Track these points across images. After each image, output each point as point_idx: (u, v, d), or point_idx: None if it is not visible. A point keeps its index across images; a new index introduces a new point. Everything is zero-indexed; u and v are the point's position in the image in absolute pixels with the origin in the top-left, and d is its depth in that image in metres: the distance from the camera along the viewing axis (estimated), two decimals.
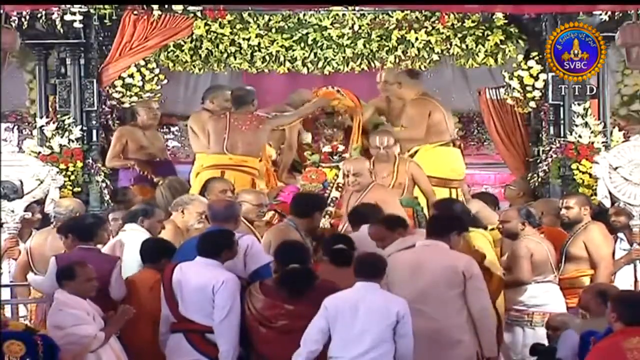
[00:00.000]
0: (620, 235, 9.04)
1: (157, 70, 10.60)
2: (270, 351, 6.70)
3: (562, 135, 10.03)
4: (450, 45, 10.57)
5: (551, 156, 9.99)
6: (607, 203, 9.13)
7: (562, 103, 10.04)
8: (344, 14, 10.60)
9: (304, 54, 10.68)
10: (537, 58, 10.22)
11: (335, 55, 10.68)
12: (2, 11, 8.62)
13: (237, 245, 6.97)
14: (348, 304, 6.46)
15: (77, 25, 9.74)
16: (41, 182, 8.99)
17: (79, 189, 9.83)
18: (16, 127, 12.72)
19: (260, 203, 8.58)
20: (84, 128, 10.02)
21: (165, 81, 10.71)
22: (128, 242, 7.89)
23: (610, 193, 9.18)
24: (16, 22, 9.30)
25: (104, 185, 9.91)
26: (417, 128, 9.52)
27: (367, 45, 10.65)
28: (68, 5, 9.52)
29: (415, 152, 9.67)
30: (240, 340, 6.77)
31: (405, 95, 9.77)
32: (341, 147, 10.11)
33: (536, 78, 10.22)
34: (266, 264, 7.11)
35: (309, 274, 6.80)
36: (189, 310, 6.77)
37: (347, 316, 6.42)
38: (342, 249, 7.25)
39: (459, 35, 10.54)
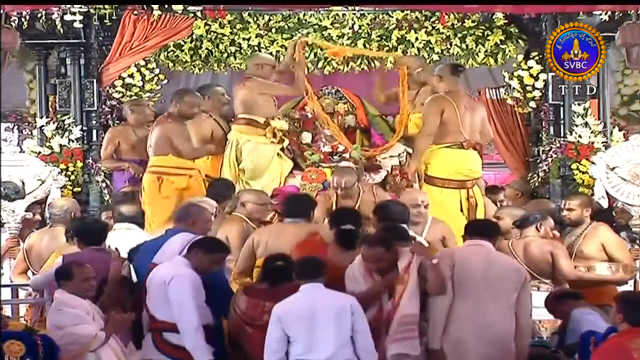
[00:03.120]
0: (623, 234, 9.05)
1: (157, 70, 10.60)
2: (259, 351, 6.71)
3: (562, 135, 10.03)
4: (450, 45, 10.56)
5: (551, 156, 10.00)
6: (604, 203, 9.16)
7: (562, 103, 10.04)
8: (344, 14, 10.59)
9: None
10: (537, 58, 10.22)
11: (335, 55, 10.67)
12: (2, 11, 8.63)
13: (216, 256, 6.95)
14: (302, 308, 6.51)
15: (77, 25, 9.74)
16: (42, 183, 9.02)
17: (79, 189, 9.83)
18: (16, 127, 12.73)
19: (264, 202, 8.59)
20: (84, 128, 10.03)
21: (165, 81, 10.70)
22: (125, 241, 7.94)
23: (607, 193, 9.22)
24: (16, 22, 9.30)
25: (104, 185, 9.91)
26: (425, 125, 9.40)
27: (367, 45, 10.64)
28: (68, 5, 9.51)
29: None
30: (227, 340, 6.88)
31: (440, 89, 9.54)
32: (341, 147, 10.11)
33: (536, 78, 10.22)
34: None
35: (286, 271, 6.87)
36: (152, 307, 6.81)
37: (305, 321, 6.48)
38: (350, 230, 7.28)
39: (459, 35, 10.54)
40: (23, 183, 8.97)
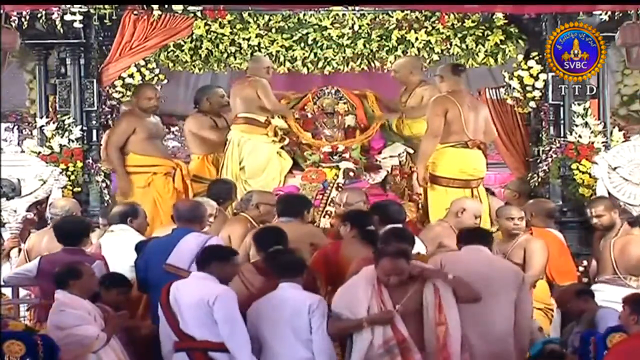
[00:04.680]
0: None
1: (157, 70, 10.60)
2: None
3: (562, 135, 10.01)
4: (450, 45, 10.55)
5: (551, 156, 9.98)
6: None
7: (562, 103, 10.02)
8: (344, 14, 10.59)
9: (304, 54, 10.67)
10: (537, 58, 10.21)
11: (335, 55, 10.67)
12: (2, 11, 8.62)
13: (233, 261, 6.90)
14: (269, 308, 6.57)
15: (77, 25, 9.71)
16: (44, 183, 9.01)
17: (79, 189, 9.80)
18: (16, 127, 12.72)
19: (274, 204, 8.61)
20: (84, 128, 10.01)
21: (165, 81, 10.71)
22: (120, 242, 7.92)
23: (609, 193, 9.22)
24: (16, 22, 9.28)
25: (104, 185, 9.90)
26: (430, 127, 9.34)
27: (367, 45, 10.64)
28: (68, 5, 9.50)
29: None
30: None
31: (442, 89, 9.53)
32: (341, 147, 10.13)
33: (536, 78, 10.21)
34: None
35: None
36: (190, 327, 6.65)
37: (272, 321, 6.54)
38: (375, 230, 7.32)
39: (459, 35, 10.53)
40: (19, 180, 8.97)
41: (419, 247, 7.74)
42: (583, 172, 9.70)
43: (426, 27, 10.54)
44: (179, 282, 6.82)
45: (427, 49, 10.58)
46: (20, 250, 8.73)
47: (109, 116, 10.34)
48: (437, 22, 10.50)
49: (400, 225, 7.47)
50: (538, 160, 10.32)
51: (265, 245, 7.16)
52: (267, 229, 7.59)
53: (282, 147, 10.19)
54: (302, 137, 10.29)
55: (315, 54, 10.69)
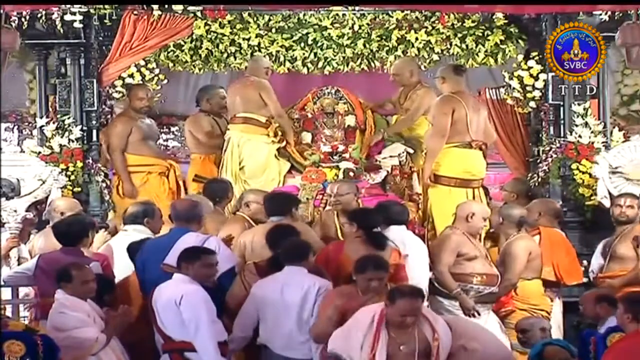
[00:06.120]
0: None
1: (157, 70, 10.61)
2: None
3: (562, 135, 10.02)
4: (450, 45, 10.55)
5: (551, 156, 9.98)
6: (607, 203, 9.16)
7: (562, 103, 10.03)
8: (344, 14, 10.59)
9: (304, 54, 10.66)
10: (537, 58, 10.21)
11: (335, 55, 10.67)
12: (2, 11, 8.62)
13: (204, 259, 6.88)
14: (274, 289, 6.65)
15: (77, 25, 9.72)
16: (43, 183, 9.01)
17: (79, 189, 9.81)
18: (16, 127, 12.71)
19: None
20: (84, 128, 10.01)
21: (165, 81, 10.72)
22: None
23: (610, 193, 9.22)
24: (16, 22, 9.28)
25: (104, 185, 9.91)
26: (437, 125, 9.31)
27: (367, 45, 10.63)
28: (68, 5, 9.50)
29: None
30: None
31: (444, 91, 9.52)
32: (341, 147, 10.13)
33: (536, 78, 10.21)
34: (228, 270, 7.14)
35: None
36: (167, 328, 6.72)
37: (275, 301, 6.62)
38: (379, 233, 7.39)
39: (459, 35, 10.53)
40: (18, 180, 8.97)
41: (423, 253, 7.77)
42: (583, 172, 9.70)
43: (426, 27, 10.53)
44: (162, 284, 6.85)
45: (427, 49, 10.58)
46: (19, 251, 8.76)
47: (109, 116, 10.36)
48: (437, 22, 10.50)
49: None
50: (538, 160, 10.32)
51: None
52: (280, 227, 7.54)
53: (277, 150, 10.16)
54: (294, 154, 10.25)
55: (315, 54, 10.69)
